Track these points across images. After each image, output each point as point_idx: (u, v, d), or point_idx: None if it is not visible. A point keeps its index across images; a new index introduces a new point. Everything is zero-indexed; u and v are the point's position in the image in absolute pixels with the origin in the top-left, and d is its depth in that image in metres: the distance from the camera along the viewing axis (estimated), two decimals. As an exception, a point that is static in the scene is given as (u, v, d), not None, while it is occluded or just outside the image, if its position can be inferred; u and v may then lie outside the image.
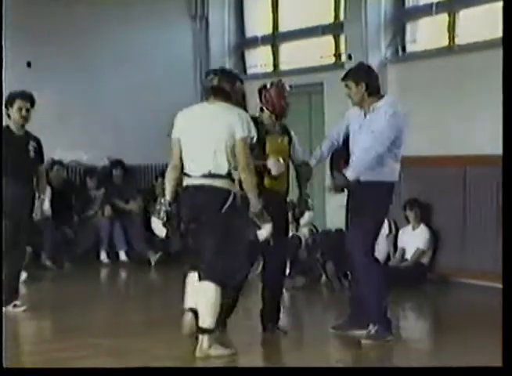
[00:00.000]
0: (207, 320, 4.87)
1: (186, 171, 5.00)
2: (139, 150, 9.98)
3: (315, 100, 9.59)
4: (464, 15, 8.07)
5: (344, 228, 8.50)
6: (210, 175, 4.90)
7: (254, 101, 10.16)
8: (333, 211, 9.04)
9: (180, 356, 5.08)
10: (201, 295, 4.91)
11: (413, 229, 8.09)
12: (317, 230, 8.54)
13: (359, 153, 5.48)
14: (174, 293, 7.55)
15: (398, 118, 5.47)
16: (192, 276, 5.07)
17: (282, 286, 5.90)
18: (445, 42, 8.18)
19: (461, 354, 5.13)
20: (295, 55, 10.06)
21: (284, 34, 10.16)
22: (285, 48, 10.24)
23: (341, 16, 9.21)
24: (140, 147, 9.98)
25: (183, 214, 5.04)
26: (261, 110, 5.75)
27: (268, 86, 5.72)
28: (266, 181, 5.46)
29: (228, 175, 4.91)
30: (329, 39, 9.54)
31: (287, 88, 5.71)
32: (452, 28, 8.12)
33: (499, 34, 7.49)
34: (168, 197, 5.07)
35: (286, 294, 7.98)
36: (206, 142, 4.91)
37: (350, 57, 8.83)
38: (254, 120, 5.28)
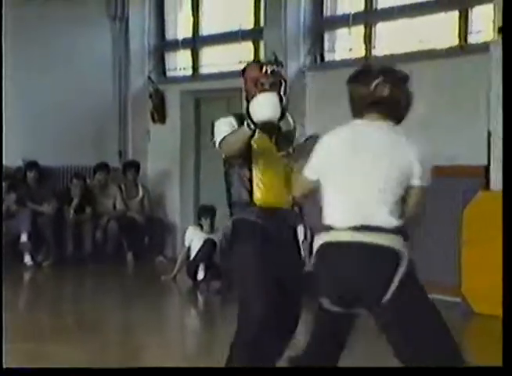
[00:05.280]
0: None
1: (328, 221, 3.31)
2: (55, 151, 9.84)
3: (233, 105, 9.64)
4: (381, 27, 8.25)
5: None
6: (370, 228, 3.21)
7: (172, 108, 10.23)
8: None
9: (95, 360, 5.05)
10: None
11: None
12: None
13: None
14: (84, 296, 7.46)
15: None
16: None
17: None
18: (362, 53, 8.35)
19: (366, 352, 5.22)
20: (215, 59, 10.10)
21: (204, 37, 10.18)
22: (205, 52, 10.26)
23: (262, 22, 9.29)
24: (56, 149, 9.84)
25: (326, 287, 3.25)
26: (246, 99, 3.89)
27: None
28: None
29: (399, 230, 3.22)
30: (249, 44, 9.61)
31: (269, 68, 3.85)
32: (368, 39, 8.29)
33: (415, 47, 7.76)
34: None
35: (200, 298, 8.02)
36: (368, 181, 3.27)
37: (269, 63, 8.91)
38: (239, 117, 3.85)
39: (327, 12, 8.76)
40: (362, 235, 3.19)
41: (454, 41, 7.53)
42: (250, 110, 3.63)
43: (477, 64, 7.02)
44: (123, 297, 7.79)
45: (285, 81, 3.87)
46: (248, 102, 3.78)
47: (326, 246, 3.27)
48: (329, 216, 3.31)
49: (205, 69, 10.22)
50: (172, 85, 10.31)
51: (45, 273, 9.22)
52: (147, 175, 10.44)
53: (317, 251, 3.30)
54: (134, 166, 10.16)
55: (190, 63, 10.33)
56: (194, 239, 8.33)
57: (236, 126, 3.82)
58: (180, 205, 10.22)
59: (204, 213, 8.51)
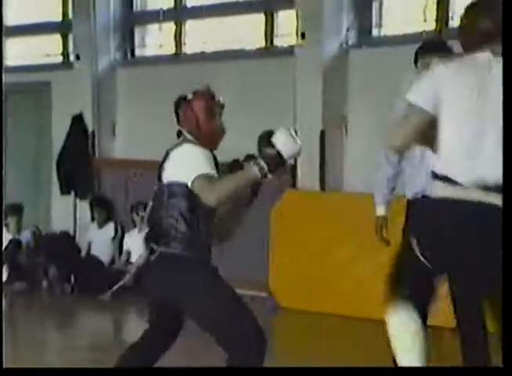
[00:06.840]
0: None
1: (447, 172, 2.88)
2: None
3: (44, 99, 9.35)
4: (192, 25, 8.29)
5: (71, 230, 8.49)
6: (496, 188, 2.80)
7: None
8: (60, 213, 8.87)
9: None
10: None
11: (139, 232, 8.15)
12: (40, 233, 8.34)
13: None
14: None
15: None
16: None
17: None
18: (173, 50, 8.35)
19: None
20: (21, 51, 9.74)
21: (10, 28, 9.78)
22: (11, 43, 9.86)
23: (70, 15, 9.07)
24: None
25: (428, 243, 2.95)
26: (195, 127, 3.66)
27: (190, 96, 3.65)
28: None
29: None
30: (57, 37, 9.35)
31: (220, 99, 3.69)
32: (178, 36, 8.30)
33: (224, 47, 7.85)
34: None
35: (3, 300, 7.72)
36: (493, 128, 2.84)
37: (78, 57, 8.72)
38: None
39: (137, 6, 8.69)
40: (489, 196, 2.79)
41: (262, 42, 7.69)
42: (281, 145, 3.36)
43: (282, 66, 7.21)
44: None
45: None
46: (197, 130, 3.58)
47: (446, 201, 2.83)
48: (448, 167, 2.84)
49: (12, 61, 9.83)
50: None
51: None
52: None
53: (433, 205, 2.89)
54: None
55: (-5, 54, 9.90)
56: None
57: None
58: (-16, 203, 9.77)
59: (11, 212, 8.20)
